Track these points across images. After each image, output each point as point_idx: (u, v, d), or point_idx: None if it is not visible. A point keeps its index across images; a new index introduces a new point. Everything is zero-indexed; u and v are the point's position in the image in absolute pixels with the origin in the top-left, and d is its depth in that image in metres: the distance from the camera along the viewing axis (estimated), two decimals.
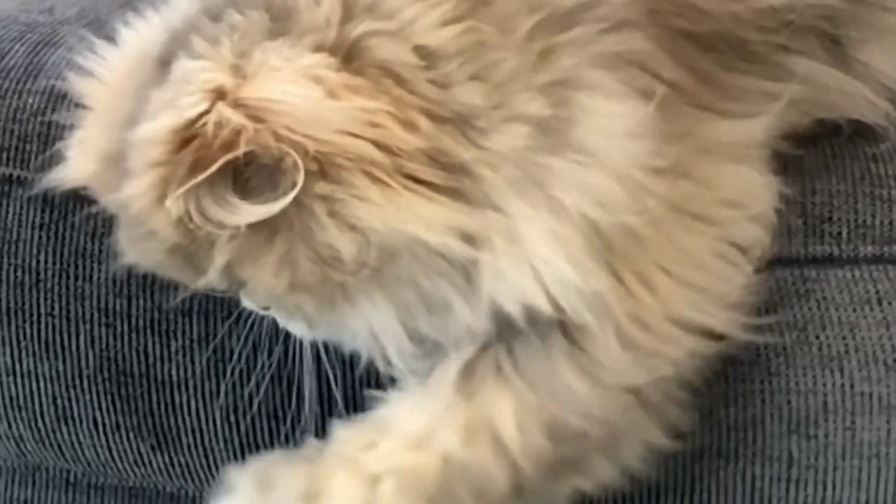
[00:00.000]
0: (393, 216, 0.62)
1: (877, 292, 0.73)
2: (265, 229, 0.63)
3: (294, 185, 0.61)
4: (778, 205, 0.72)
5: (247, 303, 0.73)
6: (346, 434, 0.70)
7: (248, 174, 0.62)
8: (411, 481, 0.68)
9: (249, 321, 0.77)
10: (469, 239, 0.64)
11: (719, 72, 0.71)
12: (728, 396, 0.74)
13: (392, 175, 0.62)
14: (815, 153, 0.76)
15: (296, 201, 0.61)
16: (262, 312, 0.74)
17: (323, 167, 0.61)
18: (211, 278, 0.66)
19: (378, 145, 0.62)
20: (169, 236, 0.64)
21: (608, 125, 0.65)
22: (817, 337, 0.73)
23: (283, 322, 0.73)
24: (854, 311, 0.73)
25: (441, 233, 0.63)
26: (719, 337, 0.70)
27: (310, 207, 0.62)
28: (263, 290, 0.66)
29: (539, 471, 0.68)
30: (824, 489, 0.74)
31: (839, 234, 0.75)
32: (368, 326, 0.68)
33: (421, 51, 0.63)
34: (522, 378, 0.68)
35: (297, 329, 0.73)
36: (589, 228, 0.65)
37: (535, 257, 0.65)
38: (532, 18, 0.64)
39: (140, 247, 0.68)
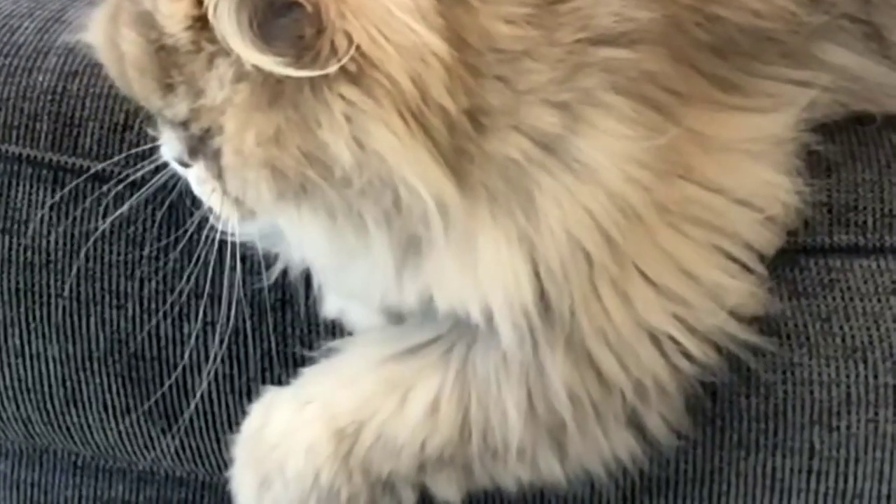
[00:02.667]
0: (401, 153, 0.61)
1: None
2: (271, 91, 0.61)
3: (316, 61, 0.59)
4: (800, 205, 0.71)
5: (171, 151, 0.69)
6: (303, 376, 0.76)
7: (278, 22, 0.60)
8: (331, 412, 0.72)
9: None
10: (444, 214, 0.64)
11: (740, 76, 0.70)
12: (750, 386, 0.73)
13: (415, 117, 0.61)
14: (840, 141, 0.75)
15: (315, 87, 0.60)
16: (179, 169, 0.70)
17: (361, 72, 0.60)
18: (177, 107, 0.63)
19: (417, 85, 0.60)
20: (172, 29, 0.61)
21: (613, 145, 0.65)
22: (841, 327, 0.73)
23: (204, 190, 0.69)
24: (879, 301, 0.73)
25: (431, 192, 0.63)
26: (694, 361, 0.70)
27: (327, 101, 0.61)
28: (233, 151, 0.63)
29: (445, 456, 0.71)
30: (846, 481, 0.74)
31: (865, 223, 0.74)
32: (300, 236, 0.68)
33: (483, 33, 0.62)
34: (464, 372, 0.70)
35: (219, 205, 0.69)
36: (571, 245, 0.65)
37: (481, 265, 0.66)
38: (577, 35, 0.64)
39: (122, 31, 0.64)
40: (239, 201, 0.66)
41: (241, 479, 0.75)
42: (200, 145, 0.65)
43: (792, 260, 0.73)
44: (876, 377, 0.72)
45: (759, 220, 0.70)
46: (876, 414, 0.73)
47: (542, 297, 0.66)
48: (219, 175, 0.65)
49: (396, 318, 0.74)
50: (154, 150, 0.78)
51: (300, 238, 0.70)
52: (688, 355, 0.69)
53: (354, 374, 0.73)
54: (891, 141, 0.77)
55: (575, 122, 0.64)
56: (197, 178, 0.68)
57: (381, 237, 0.66)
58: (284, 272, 0.77)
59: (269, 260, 0.76)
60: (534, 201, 0.65)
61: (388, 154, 0.61)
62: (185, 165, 0.68)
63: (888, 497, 0.74)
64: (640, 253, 0.67)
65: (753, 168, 0.69)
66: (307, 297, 0.78)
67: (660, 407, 0.70)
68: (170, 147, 0.69)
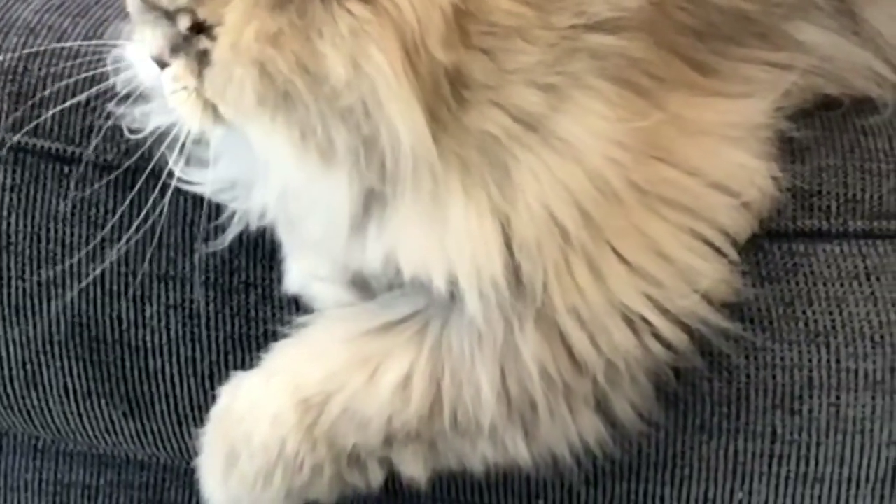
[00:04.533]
0: (393, 86, 0.61)
1: (865, 267, 0.73)
2: None
3: None
4: (774, 192, 0.71)
5: (151, 48, 0.67)
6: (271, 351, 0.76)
7: None
8: (297, 383, 0.72)
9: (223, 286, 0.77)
10: (416, 167, 0.64)
11: (719, 60, 0.70)
12: (713, 370, 0.73)
13: (410, 57, 0.61)
14: (804, 126, 0.75)
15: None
16: (149, 71, 0.69)
17: None
18: None
19: (420, 25, 0.61)
20: None
21: (596, 125, 0.65)
22: (804, 312, 0.73)
23: (175, 91, 0.67)
24: (842, 286, 0.73)
25: (410, 136, 0.63)
26: (665, 343, 0.70)
27: (335, 14, 0.61)
28: (228, 44, 0.62)
29: (413, 432, 0.70)
30: (807, 465, 0.74)
31: (828, 208, 0.74)
32: (265, 152, 0.67)
33: (484, 5, 0.62)
34: (439, 349, 0.69)
35: (188, 109, 0.67)
36: (547, 219, 0.65)
37: (450, 233, 0.66)
38: (573, 20, 0.64)
39: None
40: (212, 105, 0.66)
41: (209, 458, 0.75)
42: (184, 43, 0.65)
43: (756, 244, 0.73)
44: (838, 361, 0.73)
45: (733, 204, 0.70)
46: (837, 398, 0.73)
47: (514, 270, 0.66)
48: (199, 74, 0.65)
49: (362, 291, 0.74)
50: (117, 130, 0.78)
51: (264, 154, 0.67)
52: (659, 337, 0.69)
53: (324, 349, 0.73)
54: (854, 126, 0.77)
55: (560, 102, 0.65)
56: (173, 76, 0.67)
57: (347, 171, 0.65)
58: (248, 259, 0.77)
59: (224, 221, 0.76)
60: (510, 175, 0.65)
61: (380, 82, 0.61)
62: (162, 65, 0.67)
63: (849, 480, 0.74)
64: (615, 232, 0.67)
65: (730, 152, 0.70)
66: (270, 281, 0.77)
67: (629, 391, 0.70)
68: (150, 45, 0.67)
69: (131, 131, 0.77)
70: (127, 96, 0.75)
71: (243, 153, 0.69)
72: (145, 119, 0.76)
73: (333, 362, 0.72)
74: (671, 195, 0.68)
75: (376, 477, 0.73)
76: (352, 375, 0.71)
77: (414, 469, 0.72)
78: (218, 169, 0.72)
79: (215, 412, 0.75)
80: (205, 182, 0.74)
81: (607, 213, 0.66)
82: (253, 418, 0.73)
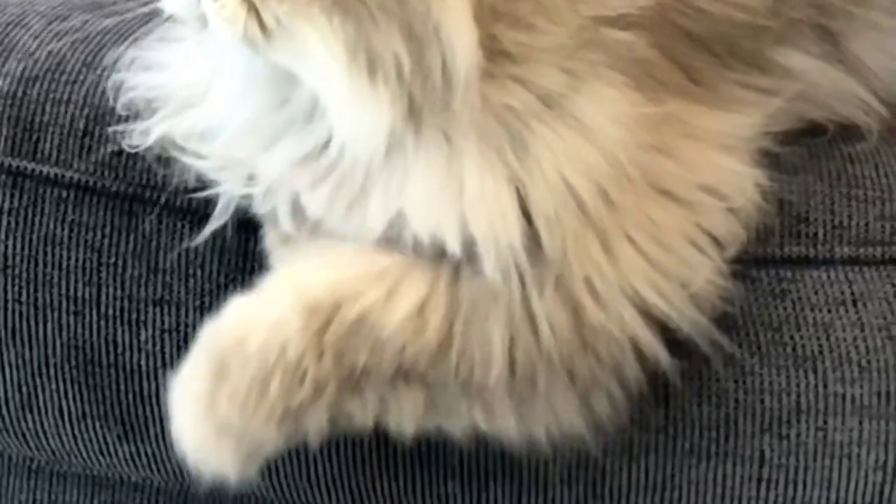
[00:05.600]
0: (458, 4, 0.62)
1: (852, 294, 0.74)
2: None
3: None
4: (762, 202, 0.72)
5: None
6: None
7: None
8: (304, 287, 0.69)
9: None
10: (460, 93, 0.64)
11: (713, 74, 0.72)
12: (701, 395, 0.74)
13: None
14: (792, 153, 0.76)
15: None
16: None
17: None
18: None
19: None
20: None
21: (610, 110, 0.66)
22: (792, 337, 0.73)
23: (228, 28, 0.65)
24: (829, 311, 0.73)
25: (464, 57, 0.63)
26: (671, 333, 0.70)
27: None
28: None
29: (421, 369, 0.68)
30: (795, 489, 0.74)
31: (815, 234, 0.75)
32: (313, 59, 0.65)
33: None
34: (455, 288, 0.68)
35: (234, 16, 0.65)
36: (566, 190, 0.66)
37: (467, 194, 0.66)
38: (594, 11, 0.66)
39: None
40: (256, 10, 0.64)
41: (187, 387, 0.70)
42: None
43: (743, 270, 0.73)
44: (825, 386, 0.73)
45: (722, 207, 0.70)
46: (825, 423, 0.73)
47: (533, 237, 0.66)
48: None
49: None
50: (114, 156, 0.79)
51: (308, 67, 0.66)
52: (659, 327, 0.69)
53: (333, 260, 0.70)
54: (841, 153, 0.78)
55: (579, 84, 0.66)
56: None
57: (391, 93, 0.64)
58: (242, 284, 0.77)
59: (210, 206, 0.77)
60: (527, 146, 0.66)
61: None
62: None
63: None
64: (627, 213, 0.68)
65: (722, 158, 0.71)
66: None
67: (616, 385, 0.70)
68: None
69: (131, 147, 0.78)
70: (127, 117, 0.76)
71: (256, 107, 0.70)
72: (145, 135, 0.77)
73: (346, 271, 0.69)
74: (672, 188, 0.69)
75: (369, 416, 0.69)
76: (368, 286, 0.68)
77: (407, 418, 0.69)
78: (221, 139, 0.72)
79: (198, 342, 0.70)
80: (208, 155, 0.74)
81: (621, 192, 0.67)
82: (248, 326, 0.68)
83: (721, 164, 0.71)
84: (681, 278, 0.69)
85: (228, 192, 0.75)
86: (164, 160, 0.77)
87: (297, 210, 0.72)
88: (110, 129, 0.80)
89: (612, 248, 0.67)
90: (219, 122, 0.73)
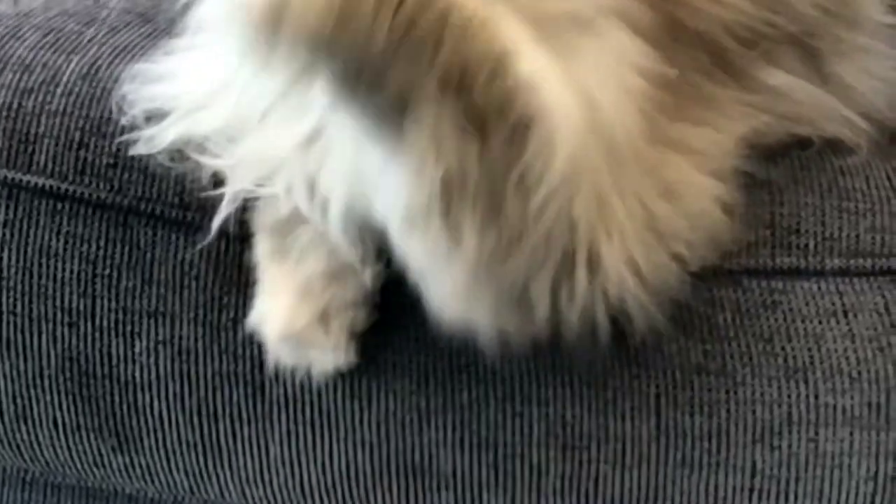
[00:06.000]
0: None
1: (842, 305, 0.74)
2: None
3: None
4: (721, 216, 0.72)
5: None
6: None
7: None
8: None
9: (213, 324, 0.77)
10: None
11: (698, 77, 0.72)
12: (693, 406, 0.74)
13: None
14: (783, 165, 0.77)
15: None
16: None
17: None
18: None
19: None
20: None
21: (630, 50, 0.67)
22: (783, 348, 0.74)
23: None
24: (820, 323, 0.74)
25: None
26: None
27: None
28: None
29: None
30: (787, 499, 0.75)
31: (806, 246, 0.76)
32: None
33: None
34: None
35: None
36: (619, 83, 0.67)
37: None
38: None
39: None
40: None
41: None
42: None
43: (735, 281, 0.74)
44: (816, 397, 0.73)
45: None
46: (816, 433, 0.74)
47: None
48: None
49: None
50: (109, 168, 0.79)
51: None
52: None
53: None
54: (832, 166, 0.78)
55: (607, 21, 0.67)
56: None
57: None
58: (237, 296, 0.77)
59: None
60: (577, 52, 0.66)
61: None
62: None
63: None
64: (647, 139, 0.69)
65: (689, 168, 0.71)
66: None
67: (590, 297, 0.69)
68: None
69: (138, 154, 0.79)
70: (133, 127, 0.76)
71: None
72: (154, 141, 0.78)
73: None
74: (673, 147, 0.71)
75: None
76: None
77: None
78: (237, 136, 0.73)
79: None
80: (223, 153, 0.75)
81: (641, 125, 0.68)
82: None
83: (685, 170, 0.71)
84: (676, 229, 0.70)
85: (238, 188, 0.76)
86: (173, 162, 0.78)
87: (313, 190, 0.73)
88: (116, 140, 0.80)
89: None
90: (234, 121, 0.74)
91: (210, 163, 0.77)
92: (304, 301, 0.74)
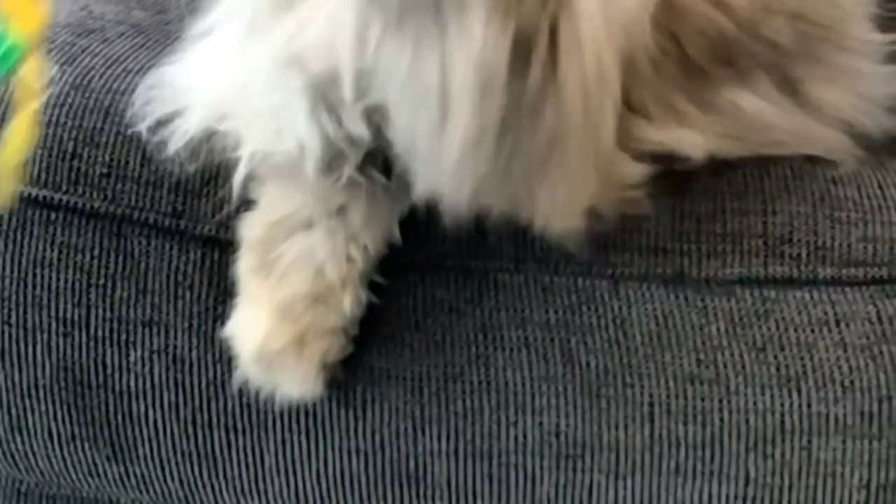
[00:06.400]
0: None
1: (835, 314, 0.74)
2: None
3: None
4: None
5: None
6: None
7: None
8: None
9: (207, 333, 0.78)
10: None
11: (666, 77, 0.72)
12: (686, 414, 0.74)
13: None
14: (775, 174, 0.77)
15: None
16: None
17: None
18: None
19: None
20: None
21: None
22: (776, 357, 0.74)
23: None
24: (812, 332, 0.74)
25: None
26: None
27: None
28: None
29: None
30: None
31: (798, 255, 0.76)
32: None
33: None
34: None
35: None
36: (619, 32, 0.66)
37: None
38: None
39: None
40: None
41: None
42: None
43: (727, 290, 0.74)
44: (809, 406, 0.74)
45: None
46: (809, 442, 0.74)
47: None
48: None
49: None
50: (103, 177, 0.79)
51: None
52: None
53: None
54: (824, 176, 0.78)
55: None
56: None
57: None
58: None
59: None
60: None
61: None
62: None
63: None
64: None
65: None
66: None
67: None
68: None
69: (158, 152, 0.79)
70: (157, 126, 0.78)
71: None
72: (172, 137, 0.78)
73: None
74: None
75: None
76: None
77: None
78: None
79: None
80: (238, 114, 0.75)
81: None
82: None
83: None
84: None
85: (252, 149, 0.75)
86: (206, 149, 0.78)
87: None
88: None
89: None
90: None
91: (225, 127, 0.76)
92: (284, 322, 0.74)
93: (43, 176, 0.81)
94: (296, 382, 0.75)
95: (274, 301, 0.74)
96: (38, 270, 0.80)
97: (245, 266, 0.76)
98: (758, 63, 0.74)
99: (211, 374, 0.79)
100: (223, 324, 0.77)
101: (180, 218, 0.79)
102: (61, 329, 0.80)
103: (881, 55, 0.79)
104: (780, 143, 0.77)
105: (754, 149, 0.77)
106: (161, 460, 0.81)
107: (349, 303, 0.75)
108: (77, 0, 0.94)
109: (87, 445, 0.82)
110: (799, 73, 0.76)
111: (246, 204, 0.77)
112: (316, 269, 0.74)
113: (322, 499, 0.80)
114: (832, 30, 0.77)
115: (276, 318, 0.74)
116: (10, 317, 0.80)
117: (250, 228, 0.76)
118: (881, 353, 0.73)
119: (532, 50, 0.64)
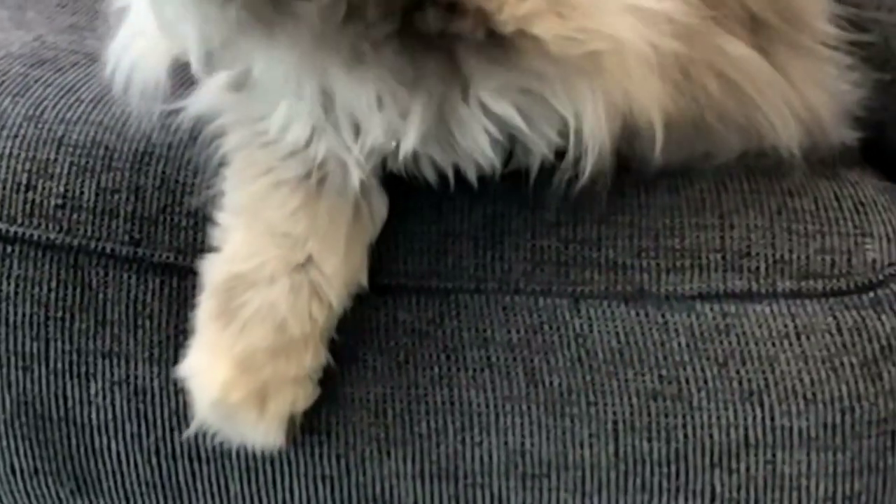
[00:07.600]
0: None
1: (795, 327, 0.74)
2: None
3: None
4: None
5: None
6: None
7: None
8: None
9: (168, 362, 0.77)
10: None
11: None
12: (651, 431, 0.74)
13: None
14: (732, 188, 0.77)
15: None
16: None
17: None
18: None
19: None
20: None
21: None
22: (738, 371, 0.74)
23: None
24: (773, 345, 0.74)
25: None
26: None
27: None
28: None
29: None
30: None
31: (757, 268, 0.76)
32: None
33: None
34: None
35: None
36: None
37: None
38: None
39: None
40: None
41: None
42: None
43: (688, 306, 0.74)
44: (772, 419, 0.74)
45: None
46: (773, 456, 0.74)
47: None
48: None
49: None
50: (58, 209, 0.79)
51: None
52: None
53: None
54: (781, 188, 0.78)
55: None
56: None
57: None
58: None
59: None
60: None
61: None
62: None
63: None
64: None
65: None
66: None
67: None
68: None
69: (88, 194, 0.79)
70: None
71: None
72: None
73: None
74: None
75: None
76: None
77: None
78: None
79: None
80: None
81: None
82: None
83: None
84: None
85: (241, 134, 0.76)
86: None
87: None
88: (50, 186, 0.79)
89: None
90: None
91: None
92: (243, 374, 0.73)
93: None
94: (258, 434, 0.74)
95: (233, 351, 0.73)
96: None
97: (205, 311, 0.75)
98: (734, 18, 0.74)
99: (173, 404, 0.78)
100: (184, 352, 0.77)
101: (138, 246, 0.79)
102: (20, 363, 0.80)
103: (844, 61, 0.79)
104: (753, 104, 0.75)
105: (708, 120, 0.75)
106: (125, 492, 0.81)
107: (311, 359, 0.75)
108: (30, 30, 0.93)
109: (50, 480, 0.81)
110: (769, 36, 0.75)
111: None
112: (278, 324, 0.74)
113: None
114: (790, 8, 0.76)
115: (236, 370, 0.73)
116: None
117: (212, 273, 0.76)
118: (842, 364, 0.74)
119: None
